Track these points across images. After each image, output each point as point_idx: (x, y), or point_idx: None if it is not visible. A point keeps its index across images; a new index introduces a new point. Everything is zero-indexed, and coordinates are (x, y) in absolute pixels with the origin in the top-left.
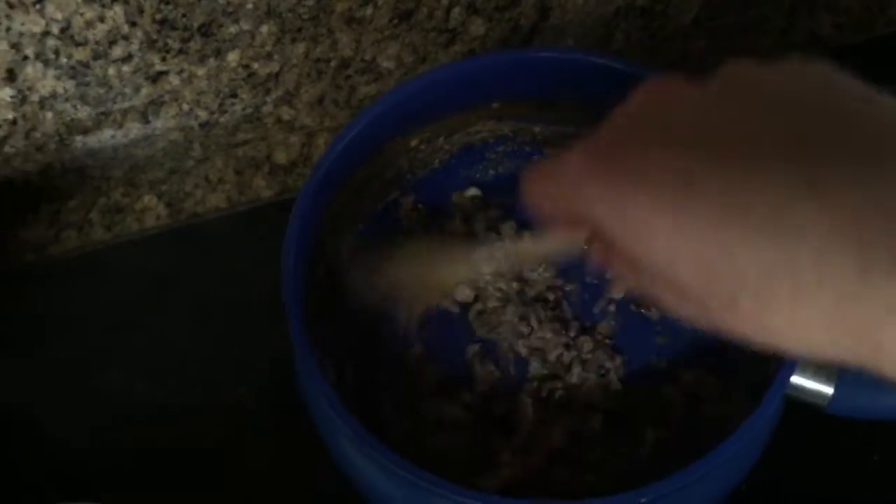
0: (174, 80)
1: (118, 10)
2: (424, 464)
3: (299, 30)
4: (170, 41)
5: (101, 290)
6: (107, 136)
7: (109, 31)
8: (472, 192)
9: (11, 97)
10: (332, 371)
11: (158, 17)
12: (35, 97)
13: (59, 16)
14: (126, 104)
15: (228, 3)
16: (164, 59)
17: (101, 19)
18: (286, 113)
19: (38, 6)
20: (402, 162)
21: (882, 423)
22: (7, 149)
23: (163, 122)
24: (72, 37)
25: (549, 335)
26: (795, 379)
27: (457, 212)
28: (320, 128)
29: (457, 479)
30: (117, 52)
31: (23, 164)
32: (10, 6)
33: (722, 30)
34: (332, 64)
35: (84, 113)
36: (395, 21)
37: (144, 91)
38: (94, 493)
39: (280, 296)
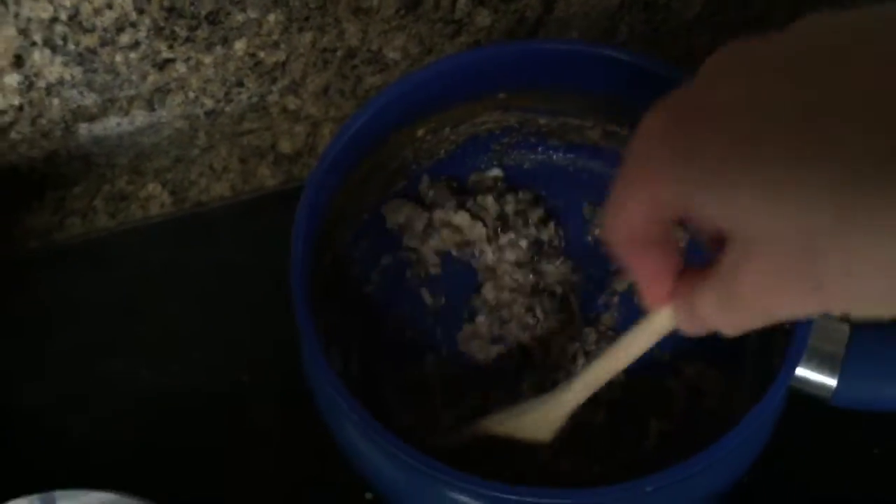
0: (181, 68)
1: None
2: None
3: (306, 19)
4: (177, 29)
5: (104, 277)
6: (112, 123)
7: (117, 19)
8: (495, 172)
9: (18, 83)
10: (339, 359)
11: (166, 4)
12: (42, 83)
13: (67, 2)
14: (132, 91)
15: None
16: (171, 47)
17: (110, 6)
18: (292, 102)
19: None
20: (407, 152)
21: (886, 416)
22: (13, 135)
23: (168, 111)
24: (80, 23)
25: (554, 326)
26: (799, 371)
27: (481, 191)
28: (325, 118)
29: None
30: (125, 39)
31: (28, 150)
32: None
33: (725, 25)
34: (339, 54)
35: (90, 100)
36: (402, 12)
37: (151, 78)
38: (96, 481)
39: (284, 285)
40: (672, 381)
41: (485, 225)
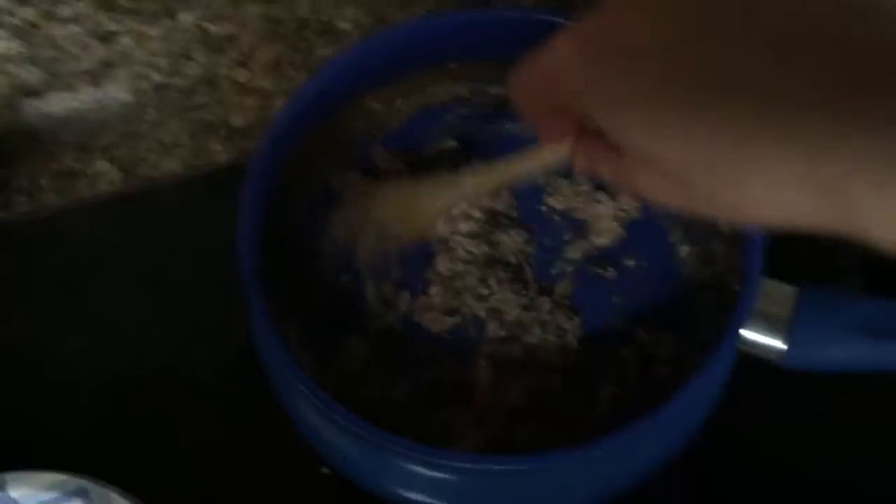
0: (125, 41)
1: None
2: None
3: None
4: (120, 0)
5: (53, 255)
6: (58, 99)
7: None
8: (449, 143)
9: None
10: (292, 333)
11: None
12: None
13: None
14: (76, 66)
15: None
16: (114, 20)
17: None
18: (242, 75)
19: None
20: (359, 123)
21: (837, 378)
22: None
23: (115, 85)
24: None
25: (508, 296)
26: (748, 334)
27: (435, 163)
28: (277, 90)
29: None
30: (66, 12)
31: None
32: None
33: None
34: (289, 25)
35: (34, 75)
36: None
37: (95, 53)
38: (47, 462)
39: (236, 260)
40: (626, 348)
41: None
